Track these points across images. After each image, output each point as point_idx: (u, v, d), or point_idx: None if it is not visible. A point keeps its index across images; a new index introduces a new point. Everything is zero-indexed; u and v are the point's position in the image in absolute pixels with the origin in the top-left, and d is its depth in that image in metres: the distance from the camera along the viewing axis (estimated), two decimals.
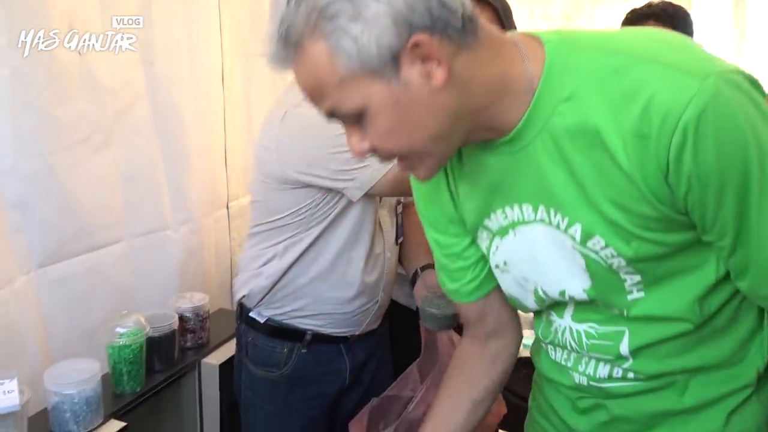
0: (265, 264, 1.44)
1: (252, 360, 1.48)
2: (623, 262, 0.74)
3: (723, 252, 0.73)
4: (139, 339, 1.46)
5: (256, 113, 2.06)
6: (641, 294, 0.77)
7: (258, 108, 2.07)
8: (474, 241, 0.90)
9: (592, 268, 0.77)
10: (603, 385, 0.87)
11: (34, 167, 1.42)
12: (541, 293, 0.85)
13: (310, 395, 1.47)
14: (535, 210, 0.78)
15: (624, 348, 0.81)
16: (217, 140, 1.99)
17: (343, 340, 1.47)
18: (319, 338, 1.45)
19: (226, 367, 1.67)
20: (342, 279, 1.41)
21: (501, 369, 0.99)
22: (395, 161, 0.74)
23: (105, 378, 1.46)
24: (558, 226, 0.76)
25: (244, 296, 1.48)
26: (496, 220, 0.83)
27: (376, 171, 1.29)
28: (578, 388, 0.90)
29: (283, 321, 1.45)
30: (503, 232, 0.83)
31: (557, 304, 0.87)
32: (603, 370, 0.86)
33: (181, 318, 1.65)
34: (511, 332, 0.99)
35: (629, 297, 0.78)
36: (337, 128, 0.76)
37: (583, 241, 0.75)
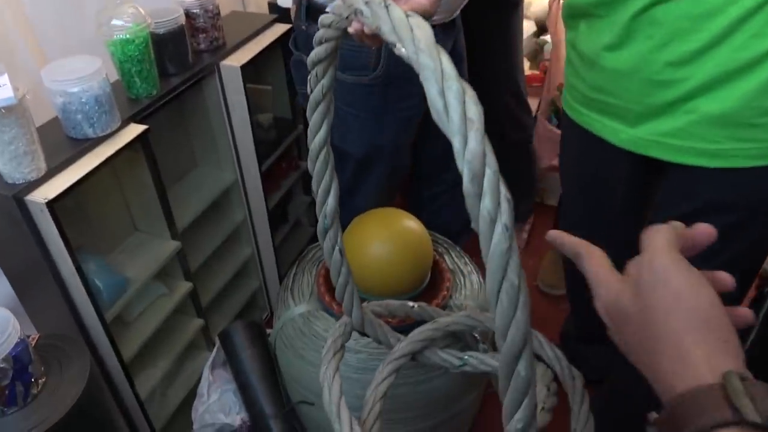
0: None
1: (338, 66, 1.34)
2: None
3: None
4: (142, 32, 1.26)
5: None
6: None
7: None
8: None
9: None
10: None
11: None
12: None
13: (405, 94, 1.34)
14: None
15: None
16: None
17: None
18: None
19: (248, 69, 1.49)
20: None
21: None
22: None
23: (117, 85, 1.30)
24: None
25: None
26: None
27: None
28: None
29: None
30: None
31: None
32: None
33: (188, 15, 1.43)
34: None
35: None
36: None
37: None
